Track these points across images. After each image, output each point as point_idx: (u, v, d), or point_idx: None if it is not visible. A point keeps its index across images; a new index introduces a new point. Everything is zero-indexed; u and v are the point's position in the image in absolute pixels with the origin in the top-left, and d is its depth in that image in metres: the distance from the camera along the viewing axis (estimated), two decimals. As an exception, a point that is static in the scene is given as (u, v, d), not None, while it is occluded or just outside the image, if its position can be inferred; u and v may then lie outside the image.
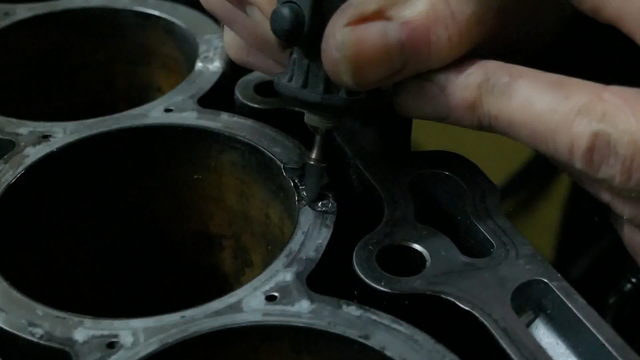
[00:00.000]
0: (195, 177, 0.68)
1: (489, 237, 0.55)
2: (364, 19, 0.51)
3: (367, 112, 0.63)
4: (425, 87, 0.54)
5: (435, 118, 0.55)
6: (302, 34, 0.53)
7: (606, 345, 0.48)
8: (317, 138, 0.58)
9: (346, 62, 0.51)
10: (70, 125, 0.66)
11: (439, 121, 0.55)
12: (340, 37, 0.51)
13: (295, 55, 0.55)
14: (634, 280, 0.82)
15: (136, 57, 0.83)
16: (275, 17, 0.53)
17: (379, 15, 0.51)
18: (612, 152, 0.48)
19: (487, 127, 0.53)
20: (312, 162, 0.58)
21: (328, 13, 0.52)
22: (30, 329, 0.51)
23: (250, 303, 0.51)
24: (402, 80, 0.55)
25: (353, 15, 0.51)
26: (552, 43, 0.63)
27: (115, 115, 0.67)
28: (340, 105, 0.55)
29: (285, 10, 0.52)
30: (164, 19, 0.79)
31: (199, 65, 0.73)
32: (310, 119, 0.57)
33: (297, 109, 0.67)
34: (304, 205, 0.58)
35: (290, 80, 0.55)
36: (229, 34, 0.64)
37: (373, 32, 0.51)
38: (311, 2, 0.52)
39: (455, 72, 0.53)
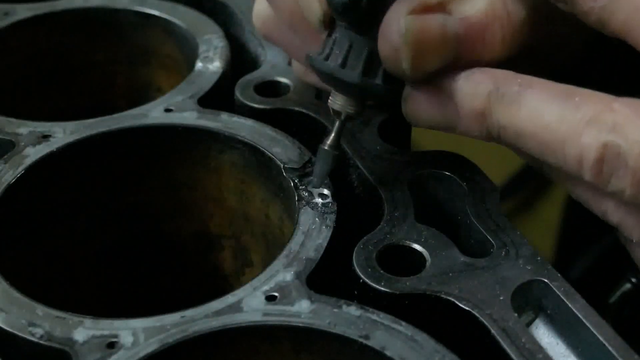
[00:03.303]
0: (195, 177, 0.68)
1: (489, 237, 0.55)
2: (426, 9, 0.52)
3: (385, 104, 0.64)
4: (435, 95, 0.54)
5: (444, 127, 0.55)
6: (359, 9, 0.53)
7: (606, 345, 0.48)
8: (336, 124, 0.58)
9: (407, 49, 0.52)
10: (70, 125, 0.66)
11: (449, 131, 0.55)
12: (403, 23, 0.51)
13: (337, 35, 0.55)
14: (634, 280, 0.82)
15: (136, 57, 0.83)
16: None
17: (441, 7, 0.52)
18: (622, 163, 0.47)
19: (496, 137, 0.53)
20: (325, 147, 0.58)
21: None
22: (30, 329, 0.51)
23: (250, 303, 0.51)
24: (413, 88, 0.55)
25: (417, 4, 0.51)
26: (575, 58, 0.62)
27: (115, 115, 0.67)
28: (375, 91, 0.55)
29: None
30: (164, 19, 0.79)
31: (199, 65, 0.73)
32: (334, 102, 0.57)
33: (308, 108, 0.67)
34: (304, 205, 0.58)
35: (326, 59, 0.55)
36: (261, 4, 0.64)
37: (434, 23, 0.52)
38: None
39: (464, 81, 0.53)
